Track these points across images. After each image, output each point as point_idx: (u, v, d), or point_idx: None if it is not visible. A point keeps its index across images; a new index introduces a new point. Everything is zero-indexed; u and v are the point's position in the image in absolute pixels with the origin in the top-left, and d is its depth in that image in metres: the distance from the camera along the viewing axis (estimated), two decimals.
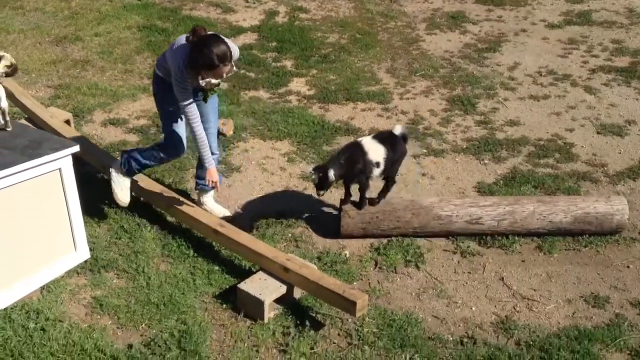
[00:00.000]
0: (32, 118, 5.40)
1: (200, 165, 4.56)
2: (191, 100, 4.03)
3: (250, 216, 4.76)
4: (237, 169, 5.35)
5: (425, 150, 5.64)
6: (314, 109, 6.32)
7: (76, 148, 3.93)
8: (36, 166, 3.70)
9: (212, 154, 4.37)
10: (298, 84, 6.80)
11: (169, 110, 4.33)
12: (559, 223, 4.51)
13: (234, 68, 4.05)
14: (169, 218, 4.63)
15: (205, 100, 4.28)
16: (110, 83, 6.61)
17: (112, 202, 4.63)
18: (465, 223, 4.51)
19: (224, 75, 3.99)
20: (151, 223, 4.58)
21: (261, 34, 7.92)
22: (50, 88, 6.46)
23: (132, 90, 6.49)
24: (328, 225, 4.65)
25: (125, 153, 4.55)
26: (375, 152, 4.37)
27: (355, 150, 4.38)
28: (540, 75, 7.02)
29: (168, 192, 4.62)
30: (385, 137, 4.47)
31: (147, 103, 6.28)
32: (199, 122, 4.10)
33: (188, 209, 4.43)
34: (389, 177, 4.52)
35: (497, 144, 5.72)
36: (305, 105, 6.38)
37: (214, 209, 4.69)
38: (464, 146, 5.70)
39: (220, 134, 5.70)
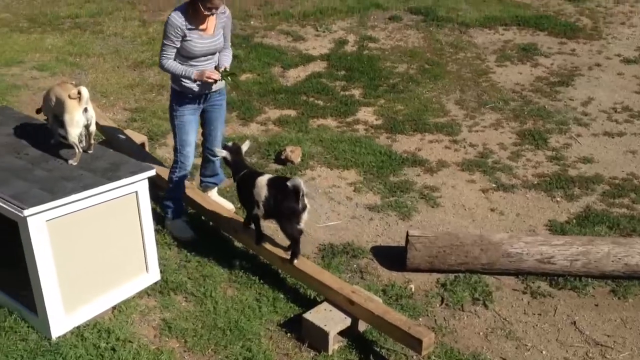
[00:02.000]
0: (110, 140, 5.59)
1: (205, 165, 4.97)
2: (169, 57, 4.35)
3: (316, 245, 4.78)
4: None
5: (494, 185, 5.55)
6: (381, 138, 6.32)
7: (152, 172, 4.03)
8: (115, 188, 3.81)
9: (215, 174, 4.97)
10: (366, 114, 6.82)
11: (181, 121, 4.55)
12: (634, 266, 4.35)
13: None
14: (237, 243, 4.69)
15: (224, 78, 4.45)
16: None
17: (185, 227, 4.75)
18: (536, 262, 4.40)
19: (214, 8, 4.18)
20: (219, 248, 4.65)
21: (330, 62, 8.01)
22: (127, 111, 6.68)
23: None
24: (394, 257, 4.62)
25: (160, 205, 4.83)
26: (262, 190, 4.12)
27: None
28: (615, 111, 6.84)
29: (235, 218, 4.68)
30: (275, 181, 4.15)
31: None
32: (173, 64, 4.36)
33: (252, 234, 4.47)
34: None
35: (570, 181, 5.58)
36: (373, 134, 6.39)
37: (218, 201, 4.98)
38: (535, 182, 5.59)
39: (288, 160, 5.78)
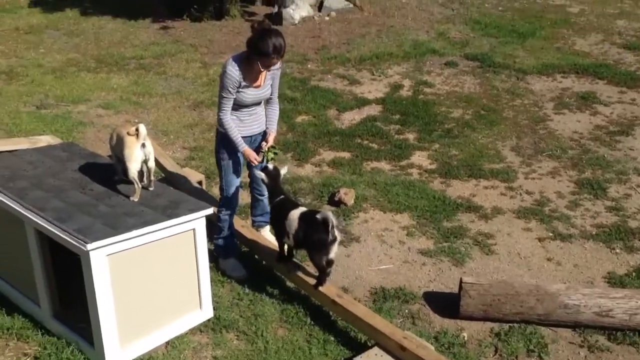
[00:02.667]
0: (169, 178, 5.74)
1: (254, 204, 5.07)
2: (227, 110, 4.49)
3: (367, 288, 4.77)
4: (357, 239, 5.40)
5: (551, 234, 5.45)
6: (435, 183, 6.31)
7: (210, 210, 4.13)
8: (173, 225, 3.91)
9: (265, 212, 4.97)
10: (420, 158, 6.83)
11: (227, 163, 4.70)
12: None
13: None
14: (289, 283, 4.72)
15: (267, 157, 4.63)
16: None
17: (237, 265, 4.81)
18: (594, 315, 4.28)
19: (270, 67, 4.40)
20: (271, 287, 4.69)
21: (385, 106, 8.07)
22: (186, 149, 6.87)
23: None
24: (447, 304, 4.57)
25: (213, 244, 4.89)
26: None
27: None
28: None
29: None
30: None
31: None
32: (228, 120, 4.51)
33: (308, 276, 4.51)
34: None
35: (630, 233, 5.44)
36: (427, 179, 6.38)
37: (271, 240, 4.98)
38: (594, 232, 5.47)
39: (341, 202, 5.82)
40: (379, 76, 9.02)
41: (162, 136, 7.07)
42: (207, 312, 4.29)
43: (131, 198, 4.09)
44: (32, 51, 9.47)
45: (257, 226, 5.17)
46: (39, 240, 3.90)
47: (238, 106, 4.54)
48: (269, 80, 4.60)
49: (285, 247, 4.58)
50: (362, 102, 8.17)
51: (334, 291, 4.34)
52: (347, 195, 5.87)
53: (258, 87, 4.53)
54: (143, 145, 4.07)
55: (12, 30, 10.30)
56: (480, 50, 9.87)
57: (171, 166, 5.85)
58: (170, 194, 4.27)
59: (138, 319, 3.89)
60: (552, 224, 5.59)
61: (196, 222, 4.06)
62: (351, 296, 4.49)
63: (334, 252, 4.21)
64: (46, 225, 3.72)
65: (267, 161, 4.61)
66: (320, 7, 11.64)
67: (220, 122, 4.54)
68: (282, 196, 4.53)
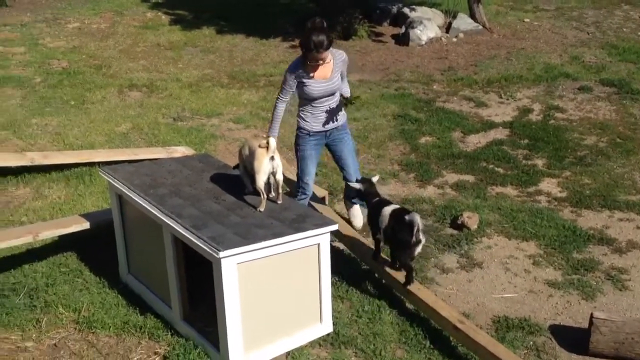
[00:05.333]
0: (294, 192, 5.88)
1: (347, 187, 5.48)
2: (283, 99, 5.00)
3: (490, 316, 4.65)
4: (479, 264, 5.28)
5: None
6: (565, 212, 6.05)
7: (335, 226, 4.19)
8: (300, 239, 4.00)
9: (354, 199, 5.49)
10: (549, 185, 6.59)
11: (302, 154, 5.22)
12: None
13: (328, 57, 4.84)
14: (408, 305, 4.68)
15: (347, 102, 5.16)
16: (364, 166, 6.98)
17: (356, 282, 4.85)
18: None
19: (319, 60, 4.75)
20: (390, 307, 4.67)
21: (513, 130, 7.87)
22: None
23: (382, 174, 6.78)
24: (575, 339, 4.36)
25: None
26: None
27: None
28: None
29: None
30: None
31: (396, 188, 6.52)
32: (280, 108, 5.03)
33: (429, 298, 4.46)
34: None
35: None
36: (556, 207, 6.14)
37: (356, 215, 5.61)
38: None
39: (464, 226, 5.71)
40: (507, 99, 8.80)
41: (287, 151, 7.25)
42: (327, 327, 4.34)
43: (258, 208, 4.23)
44: (171, 66, 10.04)
45: (350, 203, 5.67)
46: (174, 245, 4.12)
47: (309, 100, 4.99)
48: (336, 73, 4.94)
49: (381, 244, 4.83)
50: (489, 125, 8.00)
51: (456, 316, 4.27)
52: (471, 220, 5.75)
53: (324, 79, 4.90)
54: (272, 158, 4.21)
55: (154, 46, 10.98)
56: (617, 76, 9.40)
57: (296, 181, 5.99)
58: (298, 207, 4.38)
59: (262, 327, 4.00)
60: None
61: (321, 237, 4.13)
62: (473, 323, 4.38)
63: (417, 252, 4.47)
64: (182, 232, 3.92)
65: (347, 104, 5.11)
66: (448, 28, 11.55)
67: (274, 107, 5.06)
68: (377, 198, 4.85)
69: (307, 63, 4.81)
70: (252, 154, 4.27)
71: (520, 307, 4.76)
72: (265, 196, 4.25)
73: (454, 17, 11.75)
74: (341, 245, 5.29)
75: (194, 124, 7.92)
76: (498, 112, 8.43)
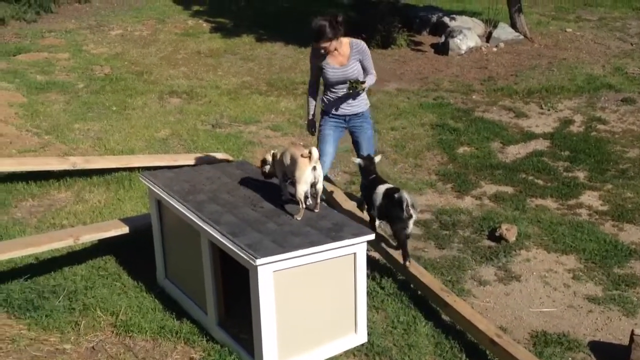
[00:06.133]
0: (330, 200, 5.88)
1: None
2: (310, 85, 5.51)
3: (527, 330, 4.57)
4: (517, 278, 5.20)
5: None
6: (606, 226, 5.93)
7: (372, 236, 4.17)
8: (336, 248, 3.99)
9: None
10: (590, 198, 6.46)
11: (322, 134, 5.50)
12: None
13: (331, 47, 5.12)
14: (444, 317, 4.63)
15: (350, 89, 5.22)
16: (400, 175, 6.95)
17: (392, 292, 4.82)
18: None
19: (322, 50, 5.10)
20: (426, 318, 4.63)
21: (553, 141, 7.75)
22: (347, 174, 7.01)
23: (419, 184, 6.75)
24: (614, 355, 4.27)
25: None
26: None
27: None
28: None
29: (447, 292, 4.64)
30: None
31: (433, 198, 6.47)
32: (311, 92, 5.53)
33: (465, 311, 4.40)
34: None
35: None
36: (597, 221, 6.02)
37: None
38: None
39: (502, 238, 5.63)
40: (548, 110, 8.68)
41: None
42: (361, 337, 4.32)
43: (295, 217, 4.24)
44: (211, 73, 10.15)
45: None
46: (211, 251, 4.14)
47: (329, 85, 5.32)
48: (352, 60, 5.22)
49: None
50: (529, 136, 7.90)
51: (493, 330, 4.20)
52: (509, 232, 5.67)
53: (341, 65, 5.22)
54: (314, 168, 4.21)
55: (194, 53, 11.12)
56: None
57: (332, 189, 5.99)
58: (334, 216, 4.37)
59: (297, 335, 4.00)
60: None
61: (358, 246, 4.12)
62: (510, 337, 4.31)
63: (411, 227, 4.74)
64: (220, 238, 3.95)
65: (353, 88, 5.19)
66: (488, 37, 11.46)
67: (307, 93, 5.54)
68: (374, 176, 5.08)
69: (319, 51, 5.16)
70: (294, 163, 4.27)
71: (559, 322, 4.67)
72: (304, 206, 4.26)
73: (495, 26, 11.65)
74: (377, 255, 5.26)
75: (232, 131, 7.99)
76: (538, 122, 8.32)
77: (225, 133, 7.90)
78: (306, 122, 5.70)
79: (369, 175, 5.10)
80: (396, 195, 4.65)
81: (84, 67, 10.11)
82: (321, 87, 5.48)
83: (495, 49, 11.14)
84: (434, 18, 12.09)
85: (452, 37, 11.04)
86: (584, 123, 8.25)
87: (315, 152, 4.22)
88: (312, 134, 5.67)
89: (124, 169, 6.59)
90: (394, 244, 4.99)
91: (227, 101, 8.98)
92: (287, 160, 4.35)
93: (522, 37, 11.49)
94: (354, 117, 5.43)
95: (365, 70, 5.29)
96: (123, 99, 8.83)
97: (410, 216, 4.66)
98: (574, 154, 7.40)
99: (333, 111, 5.41)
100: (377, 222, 5.04)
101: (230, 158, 6.82)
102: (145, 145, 7.47)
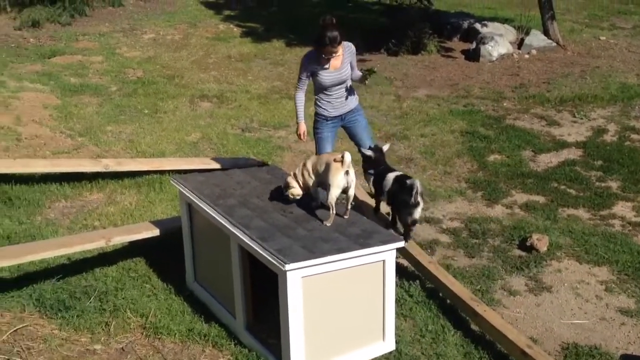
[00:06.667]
0: (360, 206, 5.86)
1: (364, 159, 5.64)
2: (300, 89, 5.65)
3: (558, 342, 4.50)
4: (548, 288, 5.13)
5: None
6: None
7: (402, 243, 4.16)
8: (365, 255, 3.99)
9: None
10: (623, 209, 6.35)
11: (319, 137, 5.79)
12: None
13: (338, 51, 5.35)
14: (474, 326, 4.59)
15: (365, 78, 5.55)
16: (430, 182, 6.91)
17: (421, 300, 4.79)
18: None
19: (330, 54, 5.29)
20: (455, 328, 4.59)
21: (586, 151, 7.63)
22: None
23: (449, 191, 6.70)
24: None
25: None
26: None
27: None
28: None
29: (476, 301, 4.60)
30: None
31: (463, 206, 6.42)
32: (300, 97, 5.70)
33: (495, 321, 4.35)
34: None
35: None
36: (631, 232, 5.91)
37: None
38: None
39: (533, 248, 5.57)
40: (581, 119, 8.56)
41: (353, 165, 7.24)
42: (389, 345, 4.30)
43: (325, 222, 4.24)
44: (241, 78, 10.21)
45: (369, 176, 5.81)
46: (241, 255, 4.16)
47: (322, 89, 5.55)
48: (345, 64, 5.46)
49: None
50: (561, 145, 7.80)
51: (524, 341, 4.15)
52: (540, 242, 5.60)
53: (335, 69, 5.43)
54: (347, 172, 4.21)
55: (225, 57, 11.20)
56: None
57: (361, 195, 5.98)
58: (364, 223, 4.36)
59: (325, 341, 3.99)
60: None
61: (387, 253, 4.10)
62: (541, 348, 4.25)
63: (418, 214, 4.99)
64: (250, 243, 3.96)
65: (368, 77, 5.54)
66: (520, 44, 11.34)
67: (295, 97, 5.70)
68: (383, 166, 5.37)
69: (320, 56, 5.34)
70: (327, 168, 4.27)
71: (590, 334, 4.60)
72: (334, 212, 4.25)
73: (527, 33, 11.53)
74: (405, 262, 5.24)
75: (262, 135, 8.02)
76: (571, 131, 8.21)
77: (254, 137, 7.94)
78: (297, 126, 5.85)
79: (379, 165, 5.38)
80: (408, 182, 4.96)
81: (117, 70, 10.24)
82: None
83: (527, 56, 11.03)
84: (465, 24, 12.01)
85: (484, 43, 10.96)
86: (618, 132, 8.12)
87: (347, 156, 4.23)
88: (301, 138, 5.89)
89: (155, 172, 6.65)
90: (401, 230, 5.20)
91: (257, 105, 9.02)
92: (321, 167, 4.35)
93: (554, 44, 11.36)
94: (349, 113, 5.73)
95: (352, 69, 5.58)
96: (155, 102, 8.92)
97: (418, 203, 4.92)
98: (607, 163, 7.28)
99: (333, 113, 5.66)
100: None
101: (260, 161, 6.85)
102: (176, 148, 7.54)
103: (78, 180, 6.53)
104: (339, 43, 5.25)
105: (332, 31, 5.20)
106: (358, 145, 5.86)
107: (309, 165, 4.48)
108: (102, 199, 6.35)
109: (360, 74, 5.57)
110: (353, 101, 5.75)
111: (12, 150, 7.09)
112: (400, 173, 5.27)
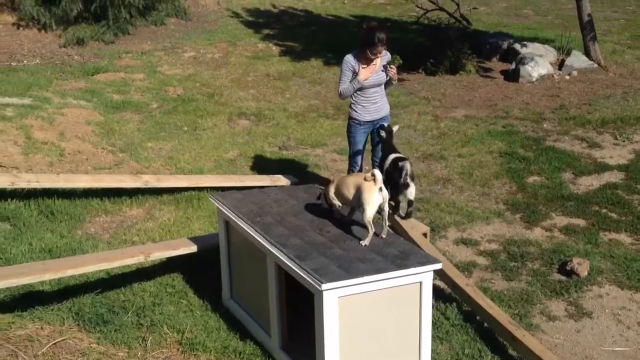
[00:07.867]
0: (395, 226, 5.83)
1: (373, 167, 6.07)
2: (345, 84, 5.87)
3: None
4: (589, 314, 5.02)
5: None
6: None
7: (439, 265, 4.12)
8: (402, 276, 3.96)
9: None
10: None
11: (353, 140, 6.14)
12: None
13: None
14: (511, 351, 4.52)
15: (390, 63, 5.86)
16: (467, 203, 6.84)
17: (457, 323, 4.73)
18: None
19: (377, 53, 5.68)
20: (493, 352, 4.54)
21: (629, 174, 7.48)
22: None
23: (487, 213, 6.63)
24: None
25: None
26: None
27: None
28: None
29: (515, 325, 4.52)
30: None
31: (501, 228, 6.34)
32: (346, 89, 5.89)
33: (535, 346, 4.28)
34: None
35: None
36: None
37: None
38: None
39: (573, 273, 5.47)
40: (623, 141, 8.40)
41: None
42: None
43: (362, 242, 4.23)
44: (279, 96, 10.30)
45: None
46: (277, 274, 4.17)
47: (360, 90, 5.83)
48: (382, 67, 5.82)
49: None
50: (602, 168, 7.66)
51: None
52: (581, 266, 5.50)
53: (375, 71, 5.81)
54: (380, 189, 4.21)
55: (263, 75, 11.31)
56: None
57: (396, 216, 5.95)
58: (401, 244, 4.34)
59: None
60: None
61: (424, 275, 4.07)
62: None
63: (411, 194, 5.49)
64: (286, 261, 3.98)
65: (392, 64, 5.85)
66: (561, 65, 11.22)
67: (340, 94, 5.97)
68: (389, 146, 5.82)
69: (364, 56, 5.70)
70: (359, 189, 4.27)
71: None
72: (373, 230, 4.24)
73: (568, 54, 11.40)
74: (442, 284, 5.19)
75: (299, 154, 8.06)
76: (613, 154, 8.06)
77: (291, 155, 7.98)
78: (360, 80, 5.83)
79: (386, 145, 5.85)
80: (400, 163, 5.41)
81: (158, 87, 10.42)
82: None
83: (567, 77, 10.90)
84: (505, 44, 11.92)
85: (523, 63, 10.86)
86: None
87: (378, 173, 4.23)
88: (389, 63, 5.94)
89: (194, 189, 6.73)
90: (402, 214, 5.62)
91: (294, 124, 9.08)
92: (350, 190, 4.33)
93: (596, 65, 11.20)
94: (380, 120, 6.04)
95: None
96: (194, 120, 9.04)
97: (408, 185, 5.38)
98: None
99: (367, 118, 5.98)
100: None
101: (296, 181, 6.88)
102: (214, 165, 7.62)
103: (118, 196, 6.64)
104: (386, 44, 5.62)
105: (381, 32, 5.59)
106: (373, 152, 6.28)
107: (332, 191, 4.49)
108: (141, 214, 6.44)
109: (387, 75, 5.89)
110: (385, 109, 6.08)
111: (55, 165, 7.25)
112: (400, 155, 5.68)
